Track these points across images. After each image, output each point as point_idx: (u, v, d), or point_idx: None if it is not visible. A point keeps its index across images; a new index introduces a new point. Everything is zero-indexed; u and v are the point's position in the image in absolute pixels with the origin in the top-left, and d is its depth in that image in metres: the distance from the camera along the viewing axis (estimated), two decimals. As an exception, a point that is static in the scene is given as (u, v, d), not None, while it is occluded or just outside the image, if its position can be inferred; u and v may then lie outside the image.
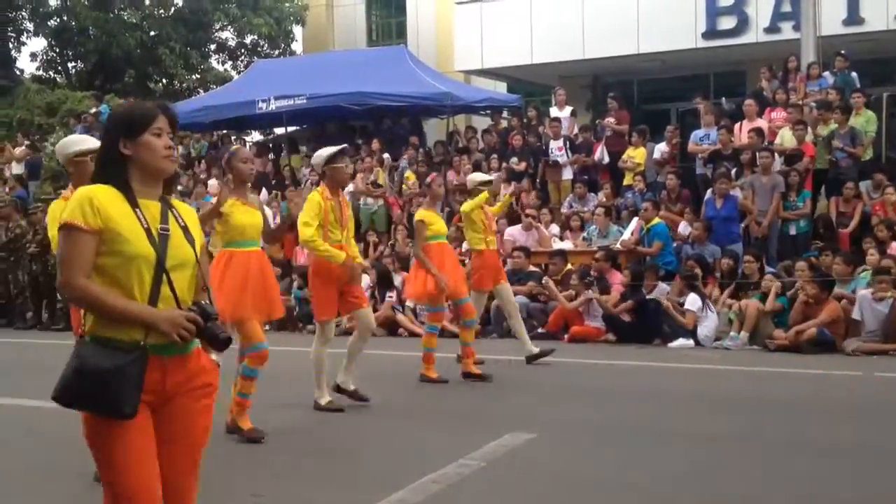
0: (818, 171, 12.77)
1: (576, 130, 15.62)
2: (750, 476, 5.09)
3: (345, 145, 7.74)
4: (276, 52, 27.78)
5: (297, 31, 27.70)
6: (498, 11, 21.10)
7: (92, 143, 4.93)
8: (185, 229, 2.89)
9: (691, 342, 10.50)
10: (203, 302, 2.85)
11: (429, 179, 8.74)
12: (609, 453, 5.67)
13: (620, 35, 19.56)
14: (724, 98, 16.73)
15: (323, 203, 6.65)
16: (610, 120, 15.16)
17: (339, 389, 6.98)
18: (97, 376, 2.68)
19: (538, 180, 15.04)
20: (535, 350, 9.04)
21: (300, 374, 7.30)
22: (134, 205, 2.81)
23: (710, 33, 19.30)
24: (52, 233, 4.70)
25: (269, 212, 13.47)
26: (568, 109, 16.01)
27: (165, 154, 2.87)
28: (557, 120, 15.34)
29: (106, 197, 2.78)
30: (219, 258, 5.96)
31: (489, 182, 9.31)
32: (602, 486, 4.96)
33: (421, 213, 8.19)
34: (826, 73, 14.48)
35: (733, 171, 12.80)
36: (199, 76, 27.55)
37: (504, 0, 21.11)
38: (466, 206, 8.90)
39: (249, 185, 6.30)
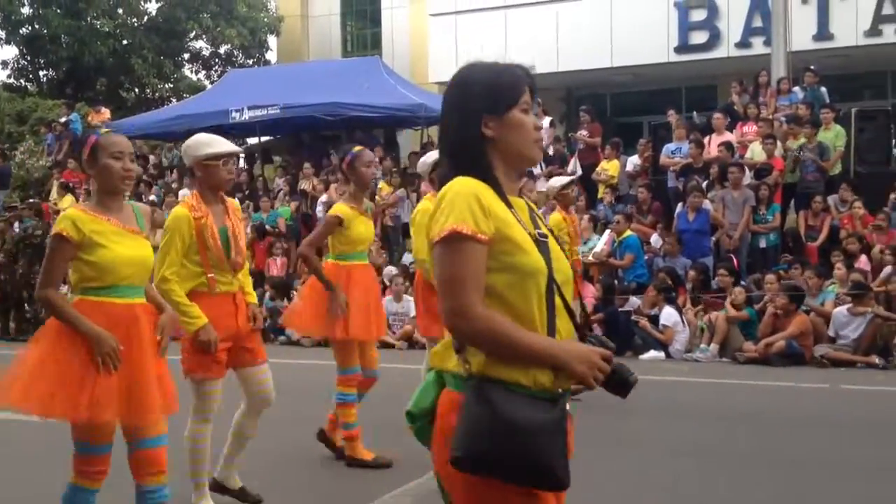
0: (787, 185, 12.91)
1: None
2: (718, 486, 5.12)
3: None
4: (251, 61, 27.71)
5: (272, 40, 27.67)
6: (472, 23, 21.17)
7: (225, 145, 4.51)
8: (552, 233, 2.25)
9: (662, 354, 10.56)
10: (599, 334, 2.26)
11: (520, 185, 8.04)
12: (580, 464, 5.66)
13: (594, 48, 19.71)
14: (695, 112, 16.89)
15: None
16: (582, 133, 15.26)
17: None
18: (525, 433, 2.02)
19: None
20: None
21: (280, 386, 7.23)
22: (508, 204, 2.14)
23: (682, 48, 19.49)
24: (174, 234, 4.31)
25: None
26: (547, 120, 16.08)
27: (537, 137, 2.23)
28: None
29: (489, 194, 2.11)
30: (335, 273, 5.45)
31: (572, 182, 8.61)
32: (572, 495, 4.96)
33: None
34: (796, 88, 14.65)
35: (704, 185, 12.91)
36: (172, 85, 27.41)
37: (478, 12, 21.20)
38: (553, 220, 7.79)
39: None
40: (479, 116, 2.16)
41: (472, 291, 2.04)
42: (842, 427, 6.75)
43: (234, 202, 4.68)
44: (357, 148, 5.60)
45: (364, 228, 5.54)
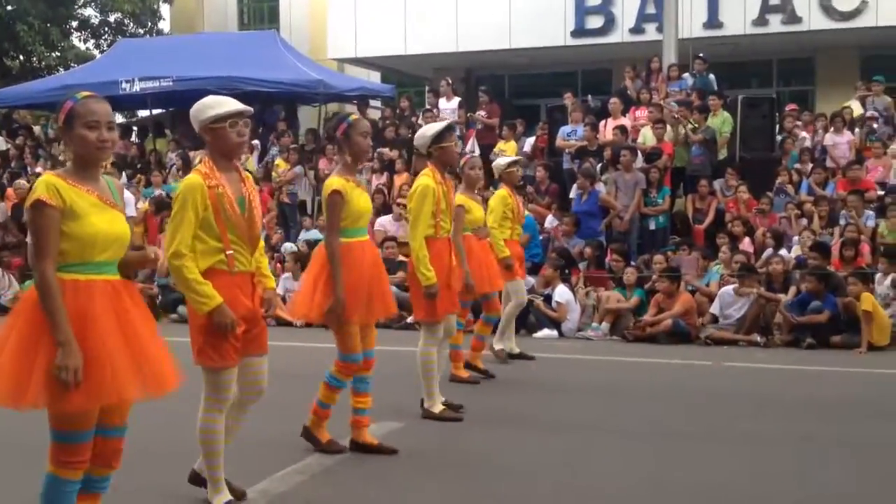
0: (676, 169, 13.31)
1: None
2: (608, 460, 5.29)
3: (450, 121, 6.77)
4: (143, 31, 26.85)
5: (165, 10, 26.87)
6: (373, 1, 21.03)
7: (231, 105, 4.15)
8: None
9: (555, 333, 10.78)
10: None
11: (462, 161, 7.61)
12: (473, 441, 5.78)
13: (493, 30, 19.85)
14: (590, 95, 17.21)
15: (436, 188, 5.93)
16: (481, 113, 15.40)
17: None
18: None
19: (411, 171, 15.14)
20: (517, 350, 8.84)
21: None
22: None
23: (579, 32, 19.80)
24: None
25: (130, 196, 13.16)
26: (455, 101, 16.11)
27: None
28: (431, 111, 15.47)
29: None
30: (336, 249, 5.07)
31: (517, 162, 8.63)
32: (464, 473, 5.05)
33: (460, 199, 7.17)
34: (686, 75, 15.08)
35: (598, 167, 13.21)
36: (59, 54, 26.30)
37: (379, -11, 21.07)
38: (494, 200, 7.87)
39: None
40: None
41: None
42: (725, 401, 7.04)
43: (247, 174, 4.29)
44: (353, 116, 5.26)
45: (364, 201, 5.15)
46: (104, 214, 3.29)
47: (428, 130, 6.15)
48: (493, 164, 8.70)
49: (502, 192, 8.07)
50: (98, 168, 3.38)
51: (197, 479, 4.44)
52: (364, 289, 5.10)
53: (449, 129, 6.21)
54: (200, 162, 4.25)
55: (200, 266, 4.01)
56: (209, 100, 4.23)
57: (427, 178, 6.00)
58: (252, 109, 4.29)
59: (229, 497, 4.24)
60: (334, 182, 5.05)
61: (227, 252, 4.05)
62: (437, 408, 6.22)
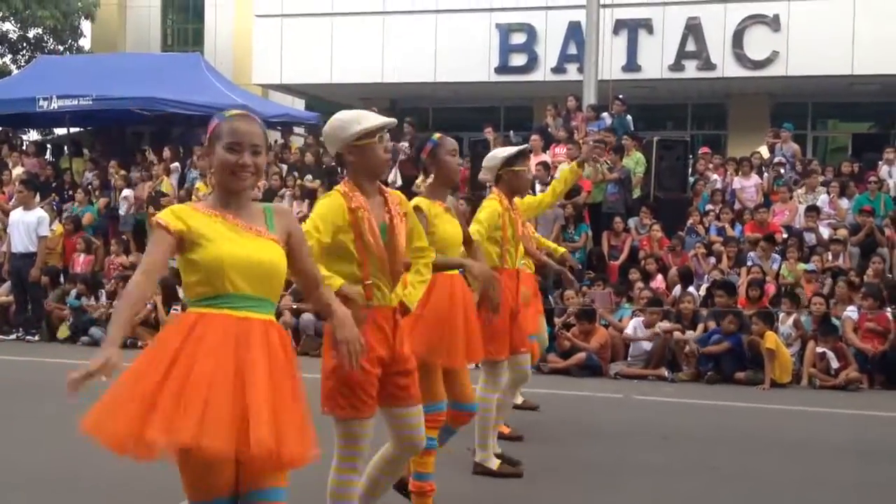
0: (593, 207, 13.62)
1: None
2: (509, 491, 5.37)
3: (527, 145, 6.19)
4: (62, 47, 26.37)
5: (87, 26, 26.44)
6: (299, 28, 21.08)
7: (377, 118, 3.67)
8: None
9: (472, 365, 10.87)
10: None
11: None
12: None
13: (418, 62, 20.09)
14: (511, 131, 17.53)
15: (502, 214, 5.32)
16: (405, 144, 15.53)
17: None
18: None
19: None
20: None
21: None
22: None
23: (502, 69, 20.18)
24: (315, 226, 3.49)
25: (44, 216, 12.86)
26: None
27: None
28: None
29: None
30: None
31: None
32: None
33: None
34: (605, 115, 15.49)
35: (517, 202, 13.43)
36: (-26, 68, 25.70)
37: (305, 17, 21.13)
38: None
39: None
40: None
41: None
42: (633, 434, 7.21)
43: (397, 193, 3.81)
44: (437, 135, 4.62)
45: (451, 229, 4.49)
46: (241, 240, 2.84)
47: (501, 152, 5.59)
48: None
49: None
50: (241, 195, 2.93)
51: None
52: (448, 326, 4.44)
53: (522, 153, 5.62)
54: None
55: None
56: (348, 115, 3.70)
57: (494, 201, 5.41)
58: (395, 120, 3.86)
59: None
60: (418, 200, 4.41)
61: (366, 283, 3.58)
62: (493, 462, 5.59)
